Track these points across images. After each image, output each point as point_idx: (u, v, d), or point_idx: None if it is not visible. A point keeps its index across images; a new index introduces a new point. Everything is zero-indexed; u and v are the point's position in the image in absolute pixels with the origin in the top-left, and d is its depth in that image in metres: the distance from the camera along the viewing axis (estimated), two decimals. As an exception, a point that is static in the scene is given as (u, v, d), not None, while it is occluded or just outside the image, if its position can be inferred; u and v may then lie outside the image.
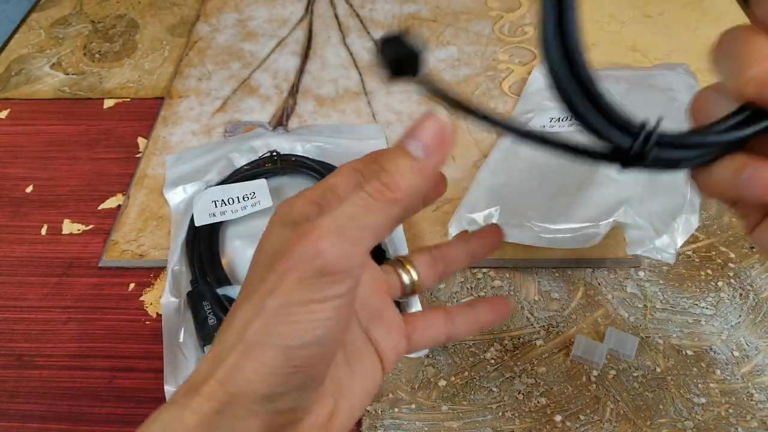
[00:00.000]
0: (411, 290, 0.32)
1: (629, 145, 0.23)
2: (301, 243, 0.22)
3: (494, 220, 0.46)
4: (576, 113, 0.22)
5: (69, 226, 0.52)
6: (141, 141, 0.58)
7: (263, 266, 0.24)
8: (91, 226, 0.51)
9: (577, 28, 0.21)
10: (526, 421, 0.39)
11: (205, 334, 0.42)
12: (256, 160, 0.52)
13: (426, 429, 0.39)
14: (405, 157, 0.23)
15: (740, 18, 0.69)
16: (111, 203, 0.53)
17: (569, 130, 0.51)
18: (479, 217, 0.47)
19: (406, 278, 0.31)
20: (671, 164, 0.24)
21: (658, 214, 0.43)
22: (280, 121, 0.59)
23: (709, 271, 0.46)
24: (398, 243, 0.47)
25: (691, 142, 0.24)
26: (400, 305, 0.44)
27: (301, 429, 0.25)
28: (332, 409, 0.26)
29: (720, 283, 0.45)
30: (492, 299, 0.34)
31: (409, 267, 0.32)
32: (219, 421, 0.23)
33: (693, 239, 0.48)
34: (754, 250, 0.47)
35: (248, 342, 0.23)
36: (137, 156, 0.57)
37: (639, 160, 0.23)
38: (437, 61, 0.64)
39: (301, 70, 0.65)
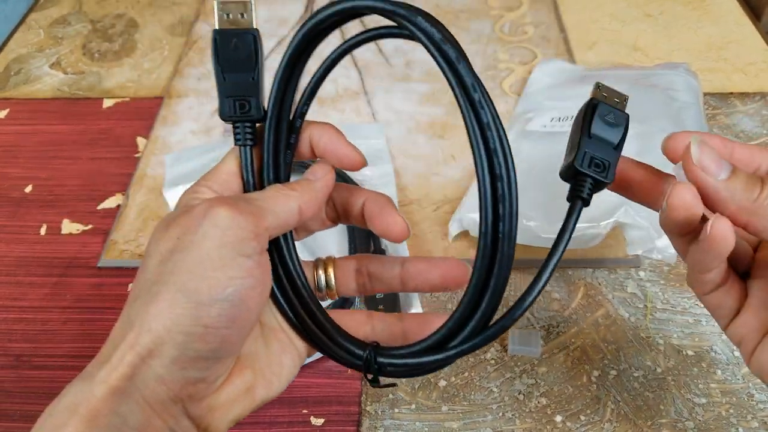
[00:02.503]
0: (324, 293, 0.31)
1: (362, 369, 0.28)
2: (205, 203, 0.25)
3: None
4: (321, 344, 0.28)
5: (68, 226, 0.51)
6: (140, 141, 0.58)
7: (162, 231, 0.25)
8: (90, 226, 0.51)
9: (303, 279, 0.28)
10: (526, 422, 0.39)
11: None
12: (255, 160, 0.52)
13: (426, 429, 0.39)
14: (303, 179, 0.29)
15: (740, 17, 0.69)
16: (110, 203, 0.53)
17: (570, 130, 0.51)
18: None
19: (321, 278, 0.31)
20: (409, 374, 0.29)
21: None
22: (280, 121, 0.59)
23: (710, 271, 0.46)
24: (399, 244, 0.47)
25: (408, 361, 0.28)
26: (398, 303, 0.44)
27: (216, 397, 0.26)
28: (251, 381, 0.27)
29: (721, 283, 0.45)
30: (424, 315, 0.31)
31: (329, 269, 0.31)
32: (130, 388, 0.23)
33: (694, 239, 0.48)
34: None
35: (162, 300, 0.23)
36: (136, 156, 0.57)
37: (377, 376, 0.28)
38: (437, 60, 0.64)
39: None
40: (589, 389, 0.40)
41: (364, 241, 0.46)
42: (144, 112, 0.61)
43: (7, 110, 0.62)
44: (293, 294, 0.28)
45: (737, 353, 0.42)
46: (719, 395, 0.40)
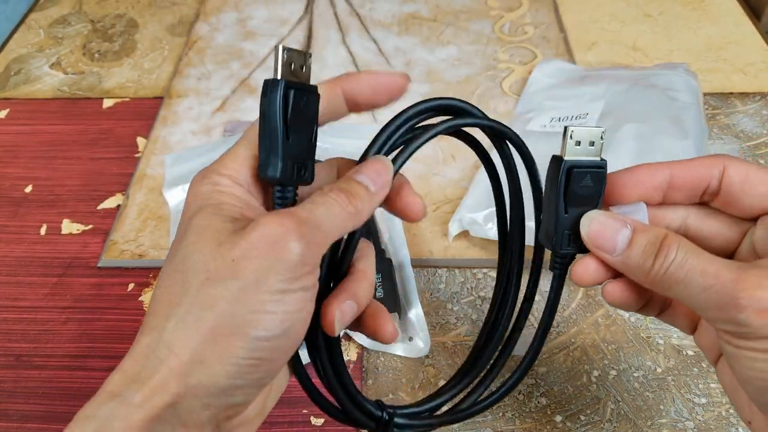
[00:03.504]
0: None
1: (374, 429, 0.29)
2: (271, 228, 0.22)
3: (495, 221, 0.46)
4: (338, 403, 0.28)
5: (68, 226, 0.51)
6: (140, 141, 0.58)
7: (208, 243, 0.23)
8: (90, 226, 0.51)
9: (342, 363, 0.27)
10: (526, 422, 0.39)
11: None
12: (255, 160, 0.52)
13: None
14: (362, 187, 0.25)
15: (740, 18, 0.69)
16: (110, 203, 0.53)
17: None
18: (479, 217, 0.47)
19: None
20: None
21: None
22: (280, 121, 0.59)
23: (710, 271, 0.46)
24: (398, 244, 0.47)
25: (424, 422, 0.30)
26: (400, 310, 0.44)
27: (246, 414, 0.25)
28: (265, 399, 0.27)
29: (721, 283, 0.45)
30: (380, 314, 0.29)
31: None
32: (169, 415, 0.22)
33: (693, 239, 0.48)
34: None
35: (213, 329, 0.22)
36: (136, 156, 0.57)
37: None
38: (438, 60, 0.64)
39: (300, 70, 0.65)
40: (589, 389, 0.40)
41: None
42: (144, 112, 0.61)
43: (8, 110, 0.62)
44: (325, 347, 0.27)
45: (737, 353, 0.42)
46: (719, 395, 0.40)
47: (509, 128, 0.29)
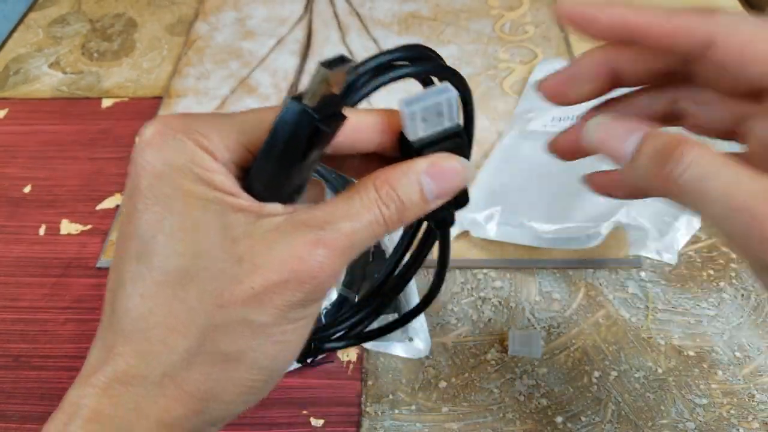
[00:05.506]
0: None
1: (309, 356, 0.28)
2: (306, 261, 0.20)
3: (495, 221, 0.46)
4: None
5: (67, 227, 0.51)
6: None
7: (214, 255, 0.20)
8: (89, 227, 0.51)
9: None
10: (527, 423, 0.39)
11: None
12: (255, 160, 0.51)
13: (426, 430, 0.39)
14: (420, 196, 0.22)
15: (741, 16, 0.68)
16: (109, 203, 0.53)
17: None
18: (480, 217, 0.46)
19: None
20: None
21: (660, 215, 0.42)
22: (280, 121, 0.59)
23: (711, 272, 0.46)
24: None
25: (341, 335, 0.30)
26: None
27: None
28: None
29: (722, 284, 0.45)
30: None
31: None
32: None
33: (695, 239, 0.48)
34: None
35: (232, 366, 0.21)
36: (136, 156, 0.57)
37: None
38: (437, 60, 0.64)
39: (300, 70, 0.65)
40: (590, 390, 0.40)
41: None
42: (143, 112, 0.61)
43: (6, 110, 0.62)
44: None
45: (738, 353, 0.41)
46: (720, 396, 0.40)
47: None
